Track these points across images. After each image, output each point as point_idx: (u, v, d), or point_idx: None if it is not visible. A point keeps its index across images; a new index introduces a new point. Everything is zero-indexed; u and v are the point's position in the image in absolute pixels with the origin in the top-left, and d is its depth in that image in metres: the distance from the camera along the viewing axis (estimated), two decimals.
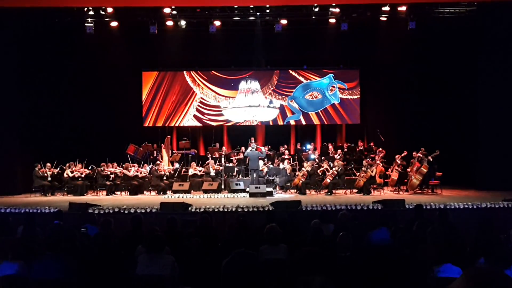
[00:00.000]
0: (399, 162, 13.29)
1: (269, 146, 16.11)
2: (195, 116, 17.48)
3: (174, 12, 14.05)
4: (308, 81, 17.43)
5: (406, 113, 15.70)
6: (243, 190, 12.98)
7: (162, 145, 15.63)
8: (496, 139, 13.27)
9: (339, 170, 13.12)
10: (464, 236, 5.78)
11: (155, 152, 15.84)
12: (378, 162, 13.27)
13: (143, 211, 9.16)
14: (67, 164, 13.55)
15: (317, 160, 14.41)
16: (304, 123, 17.54)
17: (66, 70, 15.20)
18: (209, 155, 15.40)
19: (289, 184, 13.69)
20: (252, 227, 6.47)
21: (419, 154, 12.95)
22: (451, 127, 14.63)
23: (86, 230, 6.15)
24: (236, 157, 15.38)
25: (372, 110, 17.17)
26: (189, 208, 9.41)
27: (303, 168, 13.42)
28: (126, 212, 9.20)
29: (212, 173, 14.00)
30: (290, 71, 17.50)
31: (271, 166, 14.33)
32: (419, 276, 3.94)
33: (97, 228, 6.37)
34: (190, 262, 4.65)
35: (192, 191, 13.30)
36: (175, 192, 13.04)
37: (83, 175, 13.50)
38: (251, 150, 13.40)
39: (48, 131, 14.63)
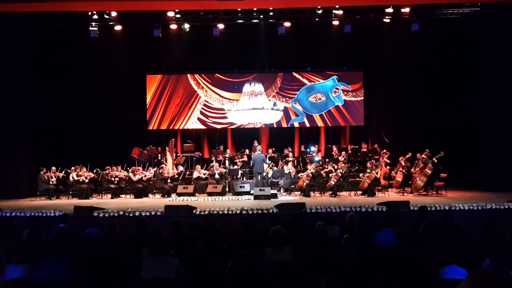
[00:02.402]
0: (403, 163, 13.26)
1: (273, 149, 16.12)
2: (199, 119, 17.52)
3: (178, 16, 14.13)
4: (312, 83, 17.44)
5: (410, 115, 15.66)
6: (248, 193, 12.97)
7: (167, 148, 15.66)
8: (500, 140, 13.24)
9: (343, 172, 13.10)
10: (470, 238, 5.76)
11: (159, 155, 15.87)
12: (382, 164, 13.24)
13: (148, 214, 9.16)
14: (72, 168, 13.59)
15: (321, 162, 14.39)
16: (308, 125, 17.55)
17: (71, 74, 15.26)
18: (213, 157, 15.42)
19: (293, 186, 13.69)
20: (257, 230, 6.46)
21: (423, 156, 12.91)
22: (456, 128, 14.57)
23: (90, 234, 6.17)
24: (241, 160, 15.40)
25: (376, 112, 17.14)
26: (194, 211, 9.42)
27: (307, 170, 13.41)
28: (131, 215, 9.21)
29: (217, 175, 14.01)
30: (294, 74, 17.52)
31: (275, 168, 14.33)
32: (424, 278, 3.93)
33: (97, 229, 6.39)
34: (195, 265, 4.65)
35: (196, 194, 13.33)
36: (179, 195, 13.06)
37: (88, 179, 13.53)
38: (257, 153, 13.42)
39: (53, 135, 14.70)
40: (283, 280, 4.23)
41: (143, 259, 4.61)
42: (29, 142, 14.01)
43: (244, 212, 9.17)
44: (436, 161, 12.56)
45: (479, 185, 13.40)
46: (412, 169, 13.14)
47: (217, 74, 17.56)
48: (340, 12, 13.84)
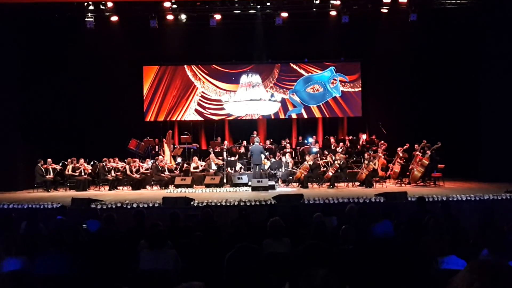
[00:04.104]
0: (401, 154, 13.26)
1: (271, 140, 16.11)
2: (196, 110, 17.48)
3: (174, 6, 14.05)
4: (309, 74, 17.40)
5: (408, 106, 15.66)
6: (245, 184, 12.98)
7: (164, 139, 15.63)
8: (498, 130, 13.23)
9: (341, 163, 13.10)
10: (467, 228, 5.78)
11: (156, 146, 15.85)
12: (380, 154, 13.25)
13: (145, 205, 9.17)
14: (69, 160, 13.55)
15: (319, 153, 14.38)
16: (305, 116, 17.53)
17: (67, 66, 15.16)
18: (211, 149, 15.41)
19: (291, 177, 13.70)
20: (255, 221, 6.47)
21: (421, 146, 12.91)
22: (453, 119, 14.58)
23: (87, 226, 6.18)
24: (238, 151, 15.39)
25: (373, 103, 17.14)
26: (192, 203, 9.43)
27: (305, 162, 13.41)
28: (128, 207, 9.22)
29: (214, 167, 14.00)
30: (291, 65, 17.47)
31: (273, 159, 14.33)
32: (422, 268, 3.94)
33: (99, 222, 6.39)
34: (192, 256, 4.65)
35: (194, 185, 13.31)
36: (177, 186, 13.05)
37: (85, 171, 13.49)
38: (256, 144, 13.40)
39: (49, 127, 14.63)
40: (281, 271, 4.24)
41: (141, 251, 4.61)
42: (25, 134, 13.95)
43: (242, 204, 9.18)
44: (433, 151, 12.57)
45: (476, 175, 13.43)
46: (410, 160, 13.12)
47: (214, 65, 17.49)
48: (338, 2, 13.78)
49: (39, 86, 14.40)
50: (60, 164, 13.67)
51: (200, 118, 17.56)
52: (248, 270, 3.59)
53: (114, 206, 9.26)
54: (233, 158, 14.85)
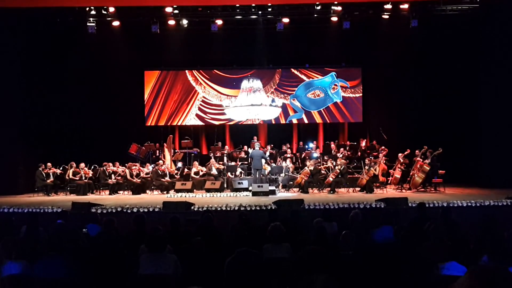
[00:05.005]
0: (401, 160, 13.26)
1: (272, 145, 16.11)
2: (197, 115, 17.49)
3: (176, 11, 14.10)
4: (310, 79, 17.42)
5: (409, 111, 15.65)
6: (246, 189, 12.97)
7: (165, 144, 15.63)
8: (498, 136, 13.25)
9: (341, 168, 13.09)
10: (467, 234, 5.76)
11: (157, 151, 15.85)
12: (380, 160, 13.24)
13: (146, 210, 9.16)
14: (69, 164, 13.56)
15: (319, 159, 14.38)
16: (306, 121, 17.54)
17: (68, 70, 15.19)
18: (212, 154, 15.42)
19: (291, 183, 13.69)
20: (255, 226, 6.46)
21: (422, 152, 12.90)
22: (454, 125, 14.58)
23: (87, 231, 6.17)
24: (239, 156, 15.39)
25: (374, 108, 17.13)
26: (192, 207, 9.42)
27: (305, 167, 13.40)
28: (129, 211, 9.21)
29: (215, 172, 14.00)
30: (292, 70, 17.49)
31: (274, 164, 14.32)
32: (422, 274, 3.93)
33: (99, 227, 6.38)
34: (193, 261, 4.64)
35: (194, 190, 13.31)
36: (177, 191, 13.05)
37: (86, 175, 13.49)
38: (256, 149, 13.41)
39: (50, 131, 14.66)
40: (281, 277, 4.23)
41: (141, 255, 4.60)
42: (26, 138, 13.97)
43: (242, 209, 9.17)
44: (434, 157, 12.57)
45: (477, 181, 13.42)
46: (411, 166, 13.12)
47: (215, 70, 17.52)
48: (339, 8, 13.82)
49: (40, 91, 14.44)
50: (61, 168, 13.68)
51: (201, 123, 17.58)
52: (248, 275, 3.59)
53: (114, 211, 9.24)
54: (233, 163, 14.84)
